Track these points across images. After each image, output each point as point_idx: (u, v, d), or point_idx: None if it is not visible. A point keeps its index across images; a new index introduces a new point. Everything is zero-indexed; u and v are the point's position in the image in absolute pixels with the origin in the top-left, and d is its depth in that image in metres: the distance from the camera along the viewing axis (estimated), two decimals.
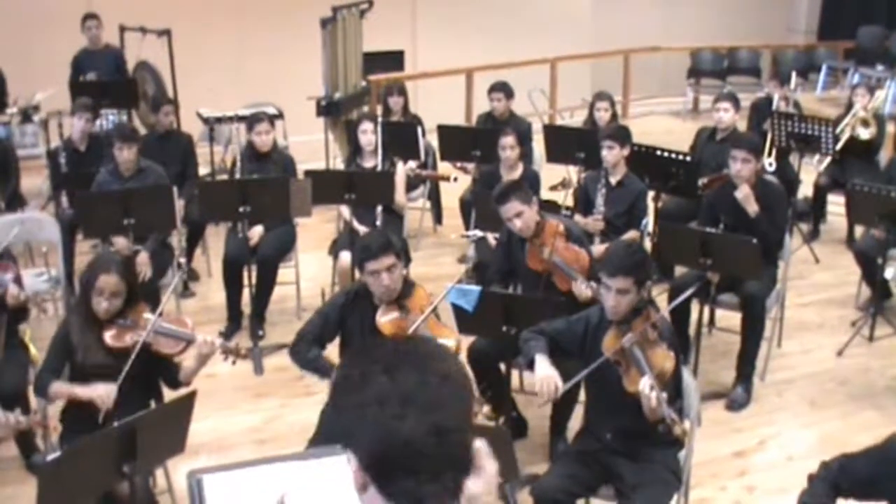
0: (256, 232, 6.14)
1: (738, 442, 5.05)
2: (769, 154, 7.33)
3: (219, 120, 8.24)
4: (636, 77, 12.07)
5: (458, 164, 7.48)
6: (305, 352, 4.21)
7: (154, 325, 3.96)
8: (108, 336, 3.94)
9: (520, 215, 4.83)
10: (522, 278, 5.04)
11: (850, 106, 8.03)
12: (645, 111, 12.21)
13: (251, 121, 6.57)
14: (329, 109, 8.79)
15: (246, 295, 6.15)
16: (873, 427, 5.09)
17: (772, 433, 5.15)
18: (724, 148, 6.13)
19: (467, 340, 4.73)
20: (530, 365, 3.86)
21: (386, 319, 4.14)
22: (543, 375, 3.73)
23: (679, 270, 6.10)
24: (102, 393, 3.84)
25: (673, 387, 3.70)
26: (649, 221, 6.08)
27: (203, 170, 7.67)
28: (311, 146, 8.75)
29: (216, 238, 7.00)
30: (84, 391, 3.88)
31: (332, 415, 1.44)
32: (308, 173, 6.20)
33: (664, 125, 11.39)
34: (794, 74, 9.01)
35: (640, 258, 3.83)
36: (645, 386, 3.52)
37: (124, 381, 3.86)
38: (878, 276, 6.10)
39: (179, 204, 6.24)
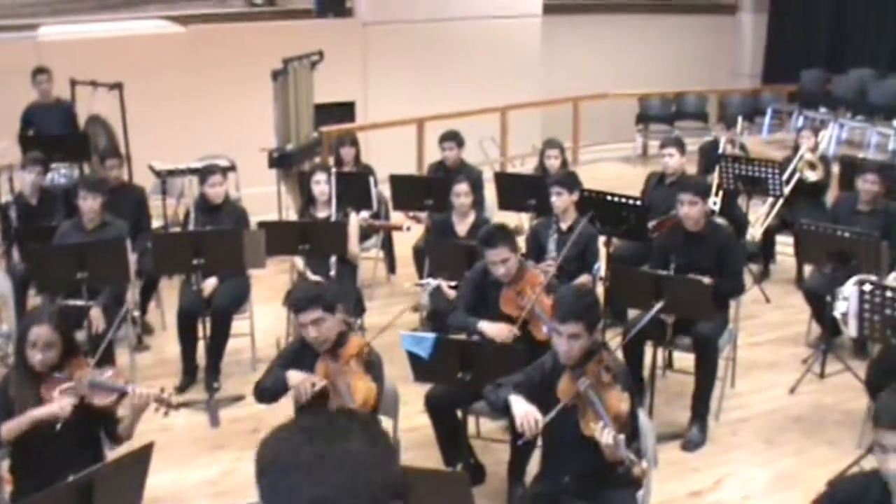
0: (210, 284, 6.15)
1: (695, 482, 5.12)
2: (716, 194, 7.50)
3: (171, 173, 8.26)
4: (586, 124, 12.29)
5: (411, 214, 7.55)
6: (264, 387, 4.27)
7: (88, 377, 3.96)
8: (44, 389, 3.93)
9: (506, 261, 4.93)
10: (491, 320, 5.10)
11: (796, 148, 8.26)
12: (595, 157, 12.41)
13: (203, 173, 6.60)
14: (281, 161, 8.85)
15: (201, 347, 6.15)
16: (827, 462, 5.20)
17: (728, 472, 5.23)
18: (673, 191, 6.26)
19: (425, 388, 4.78)
20: (505, 408, 3.90)
21: (319, 368, 4.22)
22: (523, 412, 3.78)
23: (632, 314, 6.20)
24: (56, 409, 3.82)
25: (630, 428, 3.77)
26: (601, 265, 6.19)
27: (156, 223, 7.67)
28: (264, 198, 8.78)
29: (170, 291, 6.99)
30: (39, 411, 3.85)
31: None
32: (261, 224, 6.24)
33: (614, 171, 11.59)
34: (740, 118, 9.25)
35: (590, 302, 3.92)
36: (602, 429, 3.59)
37: (64, 436, 3.84)
38: (828, 314, 6.23)
39: (133, 257, 6.23)
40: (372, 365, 4.23)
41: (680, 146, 7.26)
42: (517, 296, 4.95)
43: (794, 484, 5.06)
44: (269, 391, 4.27)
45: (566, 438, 3.85)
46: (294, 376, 4.20)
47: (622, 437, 3.60)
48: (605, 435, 3.56)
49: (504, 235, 4.97)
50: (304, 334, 4.22)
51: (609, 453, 3.59)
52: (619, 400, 3.75)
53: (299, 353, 4.33)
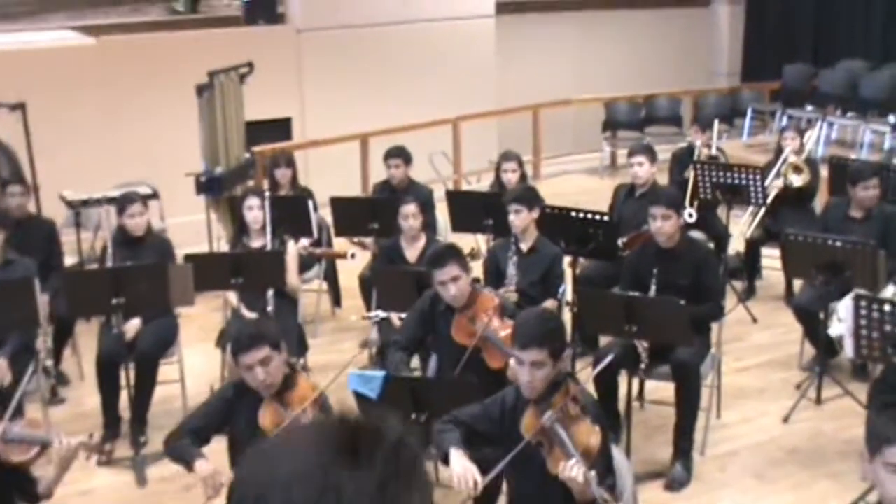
0: (133, 326, 6.10)
1: None
2: (690, 204, 7.59)
3: (85, 203, 8.19)
4: (547, 134, 12.38)
5: (356, 240, 7.56)
6: (175, 440, 4.22)
7: (1, 431, 3.90)
8: None
9: (456, 280, 4.97)
10: (442, 351, 5.12)
11: (779, 151, 8.39)
12: (558, 170, 12.51)
13: (122, 202, 6.57)
14: (210, 186, 8.82)
15: (124, 398, 6.08)
16: (829, 498, 5.27)
17: None
18: (643, 204, 6.33)
19: None
20: (445, 459, 3.91)
21: (265, 416, 4.16)
22: (460, 471, 3.79)
23: (604, 341, 6.24)
24: None
25: (602, 463, 3.79)
26: (567, 288, 6.23)
27: (69, 259, 7.59)
28: (191, 227, 8.75)
29: (88, 335, 6.91)
30: None
31: None
32: (189, 258, 6.21)
33: (580, 184, 11.69)
34: (716, 121, 9.35)
35: (553, 326, 3.95)
36: (571, 467, 3.61)
37: None
38: (822, 333, 6.33)
39: (43, 299, 6.16)
40: (326, 409, 4.21)
41: (650, 153, 7.33)
42: (469, 322, 4.98)
43: None
44: (177, 460, 4.23)
45: (534, 480, 3.87)
46: (201, 468, 4.12)
47: (593, 473, 3.62)
48: (575, 471, 3.58)
49: (453, 253, 5.05)
50: (248, 378, 4.17)
51: (579, 492, 3.60)
52: (590, 433, 3.77)
53: (235, 403, 4.29)
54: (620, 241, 6.53)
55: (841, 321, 5.76)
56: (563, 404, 3.81)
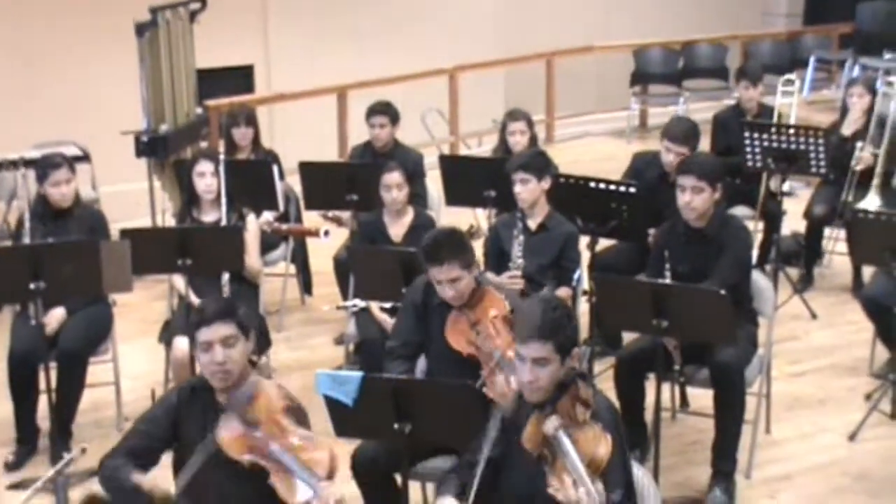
0: (55, 316, 6.09)
1: None
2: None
3: None
4: (563, 89, 12.36)
5: (330, 214, 7.56)
6: (110, 467, 4.19)
7: None
8: None
9: (456, 282, 4.89)
10: (433, 354, 5.09)
11: (844, 110, 8.39)
12: (577, 132, 12.51)
13: (43, 166, 6.53)
14: (153, 147, 8.80)
15: (43, 404, 6.07)
16: None
17: None
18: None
19: (352, 445, 4.77)
20: None
21: (229, 436, 4.06)
22: None
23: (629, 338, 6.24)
24: None
25: (616, 481, 3.80)
26: (583, 275, 6.22)
27: None
28: (130, 197, 8.73)
29: None
30: None
31: None
32: (126, 233, 6.18)
33: (603, 149, 11.69)
34: (777, 75, 9.27)
35: (560, 317, 3.94)
36: (573, 485, 3.62)
37: None
38: None
39: None
40: (301, 421, 4.19)
41: (688, 140, 7.11)
42: (471, 328, 4.94)
43: None
44: (114, 489, 4.21)
45: (536, 501, 3.88)
46: (142, 480, 4.09)
47: (601, 486, 3.63)
48: (580, 493, 3.59)
49: (455, 246, 4.92)
50: (202, 361, 4.14)
51: None
52: (596, 440, 3.77)
53: (183, 409, 4.24)
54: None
55: None
56: (569, 408, 3.81)
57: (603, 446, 3.77)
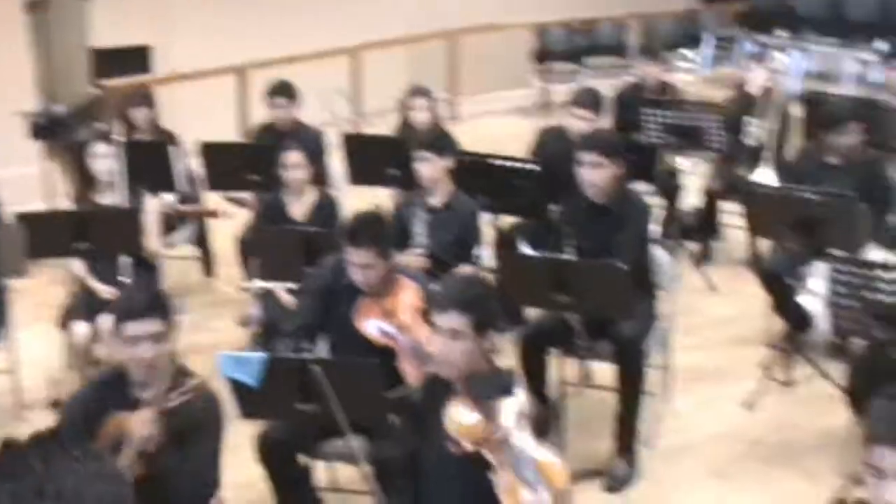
0: None
1: None
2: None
3: None
4: (467, 67, 12.37)
5: (232, 195, 7.51)
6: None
7: None
8: None
9: (367, 268, 4.87)
10: (341, 340, 5.05)
11: (740, 86, 8.52)
12: (480, 110, 12.52)
13: None
14: (47, 129, 8.67)
15: None
16: (799, 498, 5.37)
17: None
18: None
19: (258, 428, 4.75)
20: None
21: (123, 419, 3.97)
22: None
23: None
24: None
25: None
26: (485, 252, 6.25)
27: None
28: (23, 181, 8.57)
29: None
30: None
31: None
32: (20, 218, 6.09)
33: (506, 127, 11.72)
34: (673, 50, 9.41)
35: (481, 294, 3.98)
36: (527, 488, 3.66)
37: None
38: (792, 303, 6.44)
39: None
40: (209, 404, 4.14)
41: (596, 106, 7.32)
42: (383, 316, 4.92)
43: None
44: None
45: (454, 490, 3.90)
46: None
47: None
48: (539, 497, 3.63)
49: (375, 233, 4.89)
50: (127, 356, 4.07)
51: None
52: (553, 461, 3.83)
53: (98, 401, 4.15)
54: None
55: (814, 289, 5.86)
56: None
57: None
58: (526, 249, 5.79)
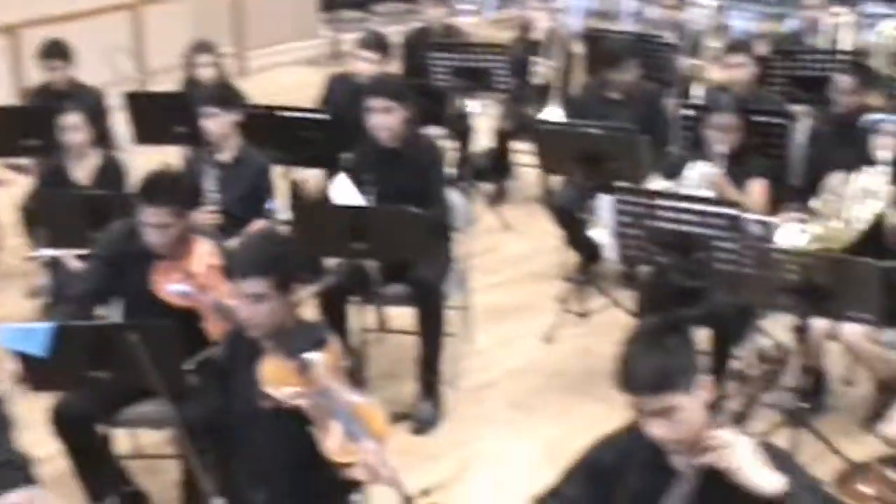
0: None
1: (433, 472, 5.22)
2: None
3: None
4: (254, 20, 12.20)
5: (10, 162, 7.30)
6: None
7: None
8: None
9: (164, 228, 4.70)
10: (136, 305, 4.91)
11: (524, 27, 8.63)
12: (269, 63, 12.39)
13: None
14: None
15: None
16: (599, 424, 5.46)
17: (474, 454, 5.44)
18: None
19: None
20: None
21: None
22: None
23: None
24: None
25: None
26: (279, 204, 6.20)
27: None
28: None
29: None
30: None
31: None
32: None
33: (297, 78, 11.63)
34: None
35: (279, 252, 3.95)
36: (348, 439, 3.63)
37: None
38: (583, 236, 6.60)
39: None
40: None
41: (382, 48, 7.33)
42: (181, 278, 4.82)
43: (559, 458, 5.25)
44: None
45: (268, 444, 3.87)
46: None
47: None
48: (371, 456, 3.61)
49: (171, 193, 4.74)
50: None
51: (370, 476, 3.65)
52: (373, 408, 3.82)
53: None
54: None
55: (602, 221, 6.00)
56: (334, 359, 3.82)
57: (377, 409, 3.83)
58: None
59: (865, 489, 3.83)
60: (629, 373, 2.97)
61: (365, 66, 7.18)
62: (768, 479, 2.84)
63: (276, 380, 3.78)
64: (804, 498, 2.84)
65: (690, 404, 2.92)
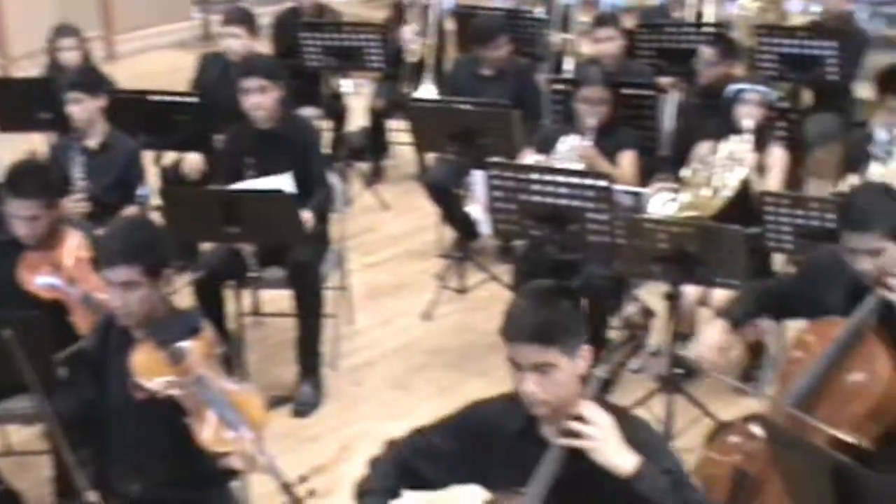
0: None
1: (315, 454, 5.24)
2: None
3: None
4: (122, 3, 12.00)
5: None
6: None
7: None
8: None
9: (33, 220, 4.63)
10: (1, 298, 4.82)
11: (398, 6, 8.60)
12: (139, 47, 12.18)
13: None
14: None
15: None
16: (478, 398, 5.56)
17: (355, 434, 5.44)
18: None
19: None
20: None
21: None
22: None
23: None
24: None
25: None
26: (149, 190, 6.12)
27: None
28: None
29: None
30: None
31: None
32: None
33: (168, 62, 11.44)
34: None
35: (145, 238, 3.86)
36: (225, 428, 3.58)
37: None
38: (459, 212, 6.63)
39: None
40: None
41: (247, 23, 7.27)
42: (49, 270, 4.73)
43: None
44: None
45: (142, 435, 3.82)
46: None
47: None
48: (247, 445, 3.55)
49: (40, 184, 4.68)
50: None
51: (247, 466, 3.60)
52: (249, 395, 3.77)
53: None
54: None
55: (477, 196, 6.04)
56: (207, 346, 3.77)
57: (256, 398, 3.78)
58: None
59: (730, 441, 3.92)
60: (515, 321, 2.99)
61: (233, 42, 7.10)
62: (622, 460, 2.90)
63: (149, 370, 3.71)
64: (655, 480, 2.90)
65: (568, 367, 2.95)
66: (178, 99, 6.40)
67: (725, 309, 4.38)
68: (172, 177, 6.80)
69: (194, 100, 6.53)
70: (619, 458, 2.90)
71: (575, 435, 2.93)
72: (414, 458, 3.27)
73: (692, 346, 4.46)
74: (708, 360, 4.18)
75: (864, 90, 7.30)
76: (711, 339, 4.22)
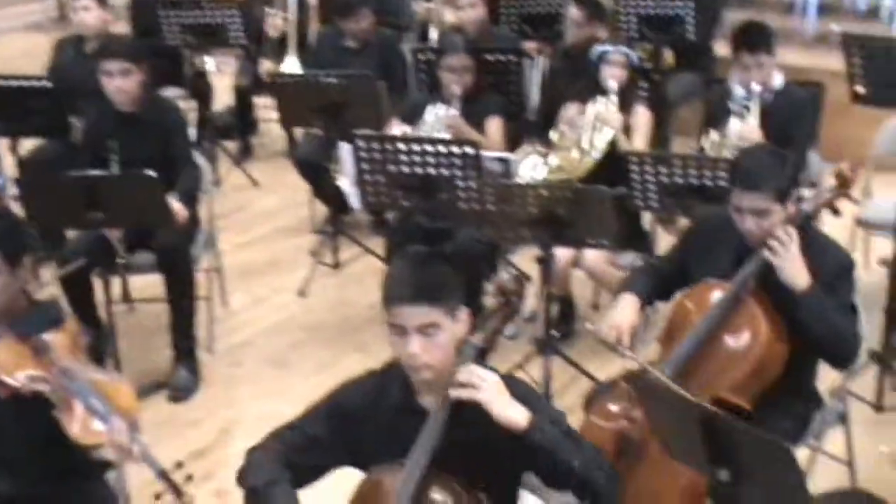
0: None
1: (195, 439, 5.22)
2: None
3: None
4: None
5: None
6: None
7: None
8: None
9: None
10: None
11: None
12: None
13: None
14: None
15: None
16: (357, 372, 5.55)
17: (236, 416, 5.41)
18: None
19: None
20: None
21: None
22: None
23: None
24: None
25: None
26: (6, 178, 5.99)
27: None
28: None
29: None
30: None
31: None
32: None
33: (22, 45, 11.23)
34: None
35: (3, 226, 3.76)
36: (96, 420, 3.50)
37: None
38: (330, 187, 6.60)
39: None
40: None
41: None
42: None
43: None
44: None
45: (9, 431, 3.71)
46: None
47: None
48: (119, 435, 3.47)
49: None
50: None
51: (120, 456, 3.52)
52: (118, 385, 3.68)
53: None
54: None
55: (345, 170, 6.02)
56: (71, 338, 3.67)
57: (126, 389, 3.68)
58: None
59: (612, 407, 3.96)
60: (397, 283, 3.00)
61: (85, 14, 6.83)
62: (516, 413, 2.92)
63: (11, 365, 3.60)
64: (548, 430, 2.93)
65: (450, 328, 2.97)
66: (30, 84, 6.22)
67: (626, 282, 4.40)
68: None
69: (47, 84, 6.34)
70: (513, 410, 2.92)
71: (469, 387, 2.93)
72: (291, 454, 3.22)
73: (602, 322, 4.45)
74: (623, 339, 4.17)
75: (722, 48, 7.42)
76: (627, 318, 4.20)
